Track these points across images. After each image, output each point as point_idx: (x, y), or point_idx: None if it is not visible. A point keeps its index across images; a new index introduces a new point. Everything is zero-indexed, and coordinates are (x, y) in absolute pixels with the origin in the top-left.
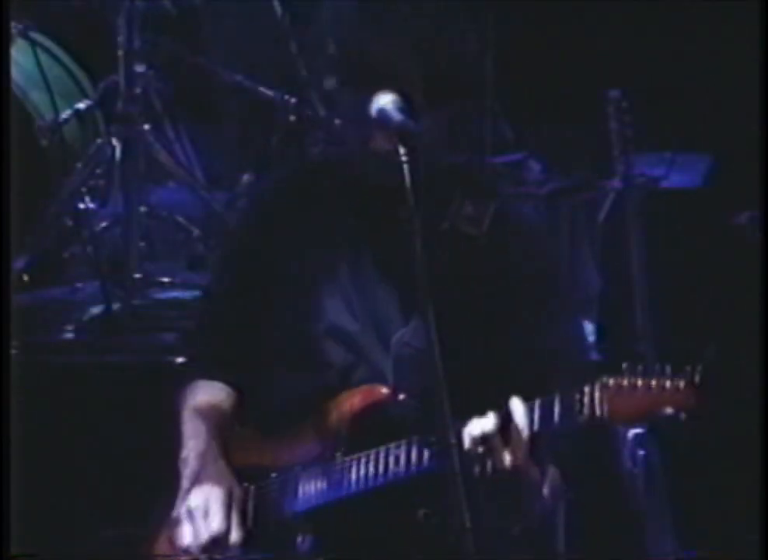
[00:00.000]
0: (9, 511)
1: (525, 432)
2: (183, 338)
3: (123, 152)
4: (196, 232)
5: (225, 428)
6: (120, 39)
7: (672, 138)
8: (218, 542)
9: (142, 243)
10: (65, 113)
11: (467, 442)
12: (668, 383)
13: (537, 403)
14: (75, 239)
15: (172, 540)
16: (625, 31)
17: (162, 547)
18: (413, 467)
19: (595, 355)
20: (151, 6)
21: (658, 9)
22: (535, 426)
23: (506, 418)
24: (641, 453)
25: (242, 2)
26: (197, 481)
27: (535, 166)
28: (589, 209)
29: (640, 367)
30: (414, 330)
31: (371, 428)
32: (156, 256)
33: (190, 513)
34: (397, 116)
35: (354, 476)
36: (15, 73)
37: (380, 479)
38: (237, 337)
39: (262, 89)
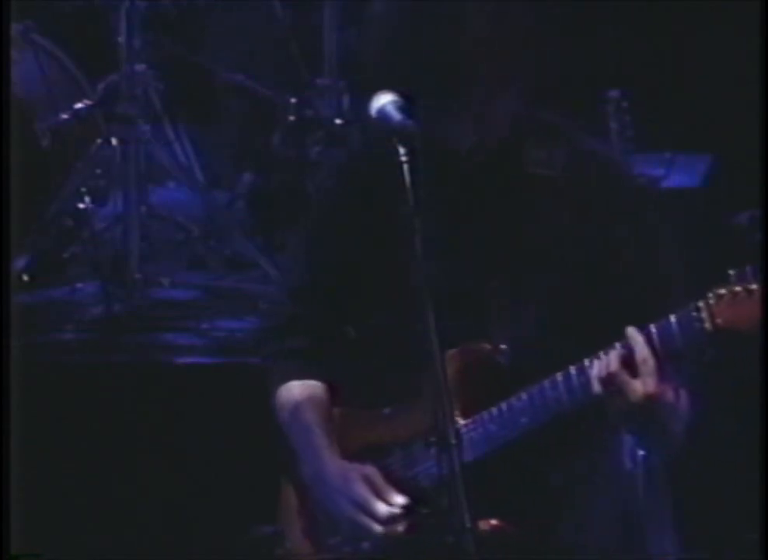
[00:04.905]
0: (9, 511)
1: (650, 361)
2: (263, 336)
3: (123, 152)
4: (196, 232)
5: (330, 425)
6: (120, 39)
7: (671, 138)
8: (392, 528)
9: (142, 243)
10: (65, 113)
11: (596, 387)
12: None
13: (654, 327)
14: (75, 239)
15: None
16: (625, 31)
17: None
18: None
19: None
20: (151, 6)
21: (658, 9)
22: (659, 351)
23: (627, 351)
24: (641, 453)
25: (242, 2)
26: (327, 481)
27: None
28: None
29: (749, 269)
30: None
31: (481, 384)
32: (156, 256)
33: (349, 519)
34: (397, 116)
35: (490, 430)
36: (15, 73)
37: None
38: (327, 328)
39: (262, 89)
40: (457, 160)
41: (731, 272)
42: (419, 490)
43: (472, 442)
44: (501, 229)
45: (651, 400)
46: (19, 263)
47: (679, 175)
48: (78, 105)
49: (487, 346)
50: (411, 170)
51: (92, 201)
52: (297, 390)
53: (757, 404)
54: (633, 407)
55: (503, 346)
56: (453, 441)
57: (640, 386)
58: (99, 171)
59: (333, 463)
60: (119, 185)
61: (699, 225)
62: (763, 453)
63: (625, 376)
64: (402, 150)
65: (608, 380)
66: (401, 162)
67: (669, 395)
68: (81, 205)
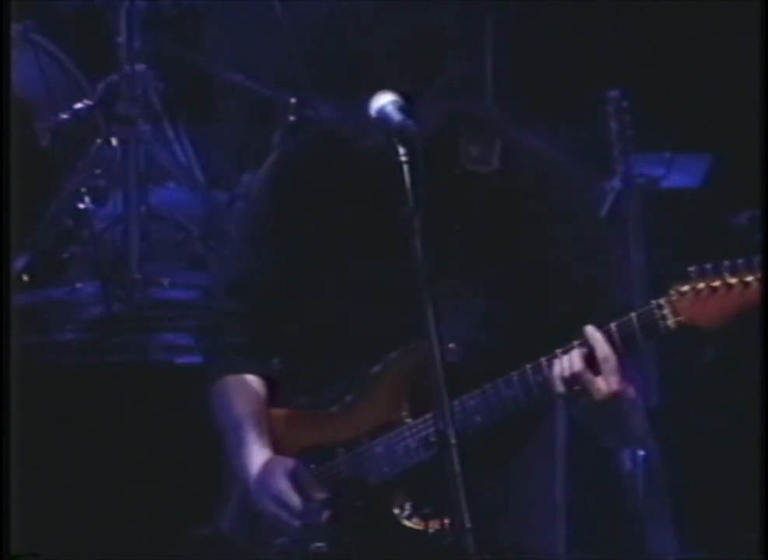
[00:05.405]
0: (9, 511)
1: (611, 358)
2: (204, 332)
3: (123, 152)
4: (196, 232)
5: (263, 419)
6: (120, 39)
7: (672, 138)
8: (311, 521)
9: (142, 243)
10: (65, 113)
11: (559, 387)
12: (750, 278)
13: (614, 326)
14: (75, 239)
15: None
16: (625, 31)
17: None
18: (517, 400)
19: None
20: (151, 6)
21: (659, 9)
22: (619, 348)
23: (588, 350)
24: (641, 453)
25: (242, 2)
26: (252, 474)
27: None
28: None
29: (709, 266)
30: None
31: (430, 382)
32: (156, 256)
33: (267, 513)
34: (397, 116)
35: (441, 428)
36: (15, 73)
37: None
38: (267, 325)
39: (262, 89)
40: (366, 160)
41: (691, 269)
42: (368, 489)
43: (423, 441)
44: (441, 226)
45: (614, 397)
46: (19, 263)
47: (679, 175)
48: (78, 105)
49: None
50: (411, 170)
51: (92, 201)
52: (230, 384)
53: (757, 403)
54: (596, 405)
55: (451, 344)
56: (453, 441)
57: (604, 384)
58: (99, 171)
59: (259, 456)
60: (119, 185)
61: (699, 225)
62: (763, 453)
63: (589, 376)
64: (402, 150)
65: (572, 380)
66: (401, 162)
67: (631, 392)
68: (81, 205)
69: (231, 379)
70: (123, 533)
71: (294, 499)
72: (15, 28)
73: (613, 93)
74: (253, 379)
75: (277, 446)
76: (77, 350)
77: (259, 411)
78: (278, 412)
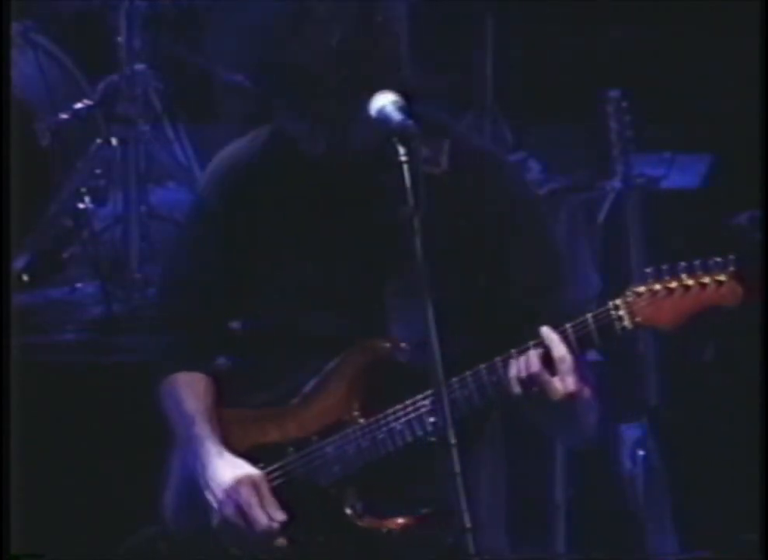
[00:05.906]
0: (9, 511)
1: (567, 359)
2: (151, 330)
3: (123, 152)
4: None
5: (214, 415)
6: (120, 39)
7: (672, 138)
8: (270, 534)
9: (142, 243)
10: (65, 113)
11: (515, 387)
12: (707, 279)
13: (570, 326)
14: (75, 239)
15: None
16: (625, 31)
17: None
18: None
19: None
20: (151, 6)
21: (659, 9)
22: (575, 349)
23: (544, 351)
24: (641, 453)
25: (242, 2)
26: (216, 479)
27: (535, 166)
28: (589, 209)
29: (665, 267)
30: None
31: (381, 381)
32: (156, 256)
33: (226, 519)
34: (397, 116)
35: (395, 428)
36: (15, 73)
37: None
38: (207, 322)
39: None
40: (313, 164)
41: (648, 270)
42: (318, 489)
43: (375, 441)
44: (392, 228)
45: (570, 398)
46: (19, 263)
47: (679, 175)
48: (78, 105)
49: (387, 344)
50: (411, 170)
51: (92, 201)
52: (179, 380)
53: (756, 403)
54: (552, 405)
55: (403, 344)
56: (453, 441)
57: (561, 385)
58: (99, 171)
59: (221, 459)
60: (119, 185)
61: (699, 225)
62: (763, 453)
63: (546, 376)
64: (402, 150)
65: (528, 381)
66: (401, 162)
67: (586, 392)
68: (81, 205)
69: (180, 376)
70: (123, 534)
71: (260, 516)
72: (15, 28)
73: (613, 93)
74: (201, 377)
75: (226, 445)
76: (77, 350)
77: (209, 408)
78: (227, 410)
